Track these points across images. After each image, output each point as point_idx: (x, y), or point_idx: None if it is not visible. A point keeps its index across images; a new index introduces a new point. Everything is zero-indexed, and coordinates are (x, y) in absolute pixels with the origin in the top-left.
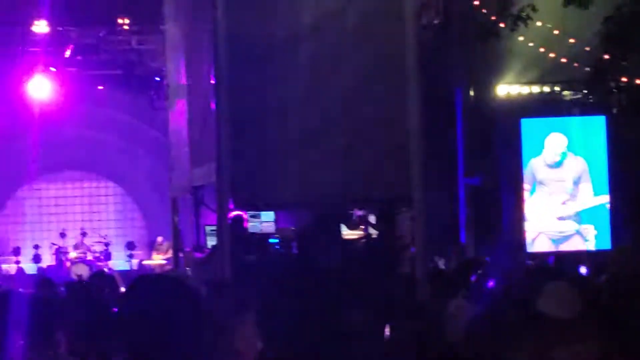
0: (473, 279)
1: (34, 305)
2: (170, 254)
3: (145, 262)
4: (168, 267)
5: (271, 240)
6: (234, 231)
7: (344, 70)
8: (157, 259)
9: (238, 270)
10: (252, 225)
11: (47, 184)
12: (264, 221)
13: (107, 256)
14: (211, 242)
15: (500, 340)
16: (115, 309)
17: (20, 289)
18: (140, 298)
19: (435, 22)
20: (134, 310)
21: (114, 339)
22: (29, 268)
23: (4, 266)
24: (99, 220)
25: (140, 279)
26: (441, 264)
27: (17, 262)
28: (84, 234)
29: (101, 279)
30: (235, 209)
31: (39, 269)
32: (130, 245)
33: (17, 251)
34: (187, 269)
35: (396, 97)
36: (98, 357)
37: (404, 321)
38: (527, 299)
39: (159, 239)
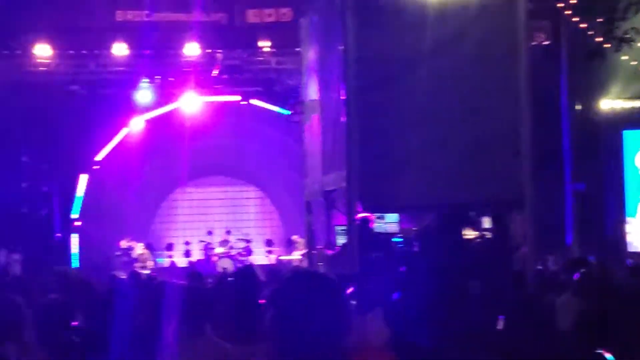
0: (576, 277)
1: (186, 294)
2: (304, 251)
3: (282, 258)
4: (303, 263)
5: (395, 240)
6: (361, 231)
7: (463, 86)
8: (295, 255)
9: (365, 266)
10: (378, 226)
11: (196, 188)
12: (389, 222)
13: (249, 252)
14: (341, 240)
15: (607, 332)
16: (260, 300)
17: (174, 280)
18: (295, 291)
19: (545, 43)
20: (287, 302)
21: (260, 328)
22: (180, 262)
23: (159, 260)
24: (241, 220)
25: (295, 274)
26: (551, 263)
27: (170, 257)
28: (228, 232)
29: (245, 272)
30: (363, 211)
31: (189, 263)
32: (269, 243)
33: (170, 247)
34: (319, 264)
35: (510, 110)
36: (242, 342)
37: (516, 315)
38: (629, 294)
39: (295, 237)
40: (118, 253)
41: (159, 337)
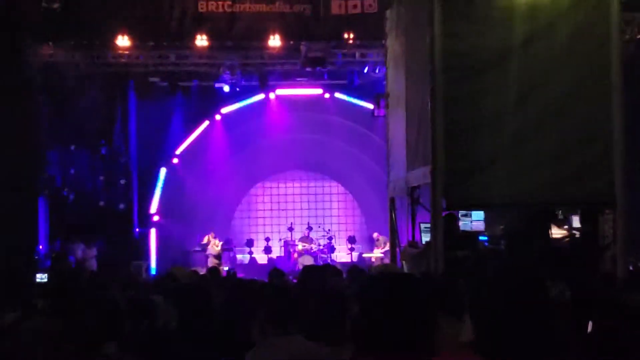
0: None
1: (269, 292)
2: (387, 248)
3: (365, 255)
4: (386, 261)
5: (481, 238)
6: (446, 229)
7: (552, 81)
8: (376, 253)
9: (450, 265)
10: (464, 224)
11: (277, 183)
12: (475, 220)
13: (331, 249)
14: (425, 238)
15: None
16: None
17: (255, 278)
18: (380, 290)
19: (638, 37)
20: (372, 302)
21: (344, 326)
22: (261, 258)
23: (239, 256)
24: (323, 216)
25: (380, 274)
26: None
27: (250, 253)
28: (309, 229)
29: (327, 270)
30: (448, 208)
31: (270, 260)
32: (351, 240)
33: (250, 243)
34: (403, 262)
35: (601, 107)
36: (328, 341)
37: (605, 317)
38: None
39: (375, 235)
40: (197, 248)
41: (245, 336)
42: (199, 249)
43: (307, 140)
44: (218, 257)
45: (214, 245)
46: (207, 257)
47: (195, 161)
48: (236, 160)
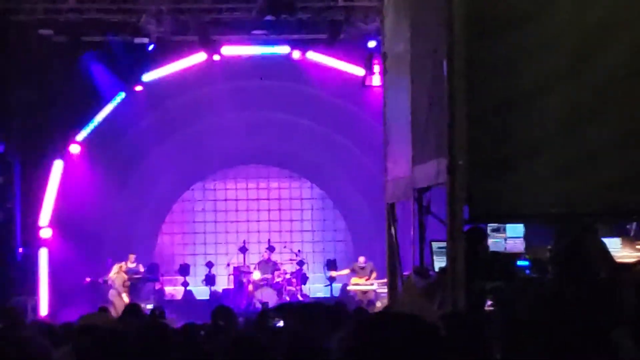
0: None
1: (210, 341)
2: (373, 279)
3: (351, 288)
4: (371, 295)
5: (520, 263)
6: (469, 250)
7: (622, 39)
8: (358, 282)
9: (475, 304)
10: (494, 242)
11: (224, 183)
12: (510, 237)
13: (301, 278)
14: (439, 263)
15: None
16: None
17: (191, 321)
18: (378, 345)
19: None
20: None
21: None
22: (200, 292)
23: (168, 289)
24: (290, 231)
25: (378, 319)
26: None
27: (185, 284)
28: (271, 249)
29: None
30: (472, 220)
31: (213, 294)
32: (330, 265)
33: (185, 270)
34: (407, 298)
35: None
36: None
37: None
38: None
39: (361, 259)
40: (107, 278)
41: None
42: (107, 279)
43: (268, 121)
44: (123, 286)
45: (119, 272)
46: (109, 288)
47: (106, 151)
48: (165, 150)
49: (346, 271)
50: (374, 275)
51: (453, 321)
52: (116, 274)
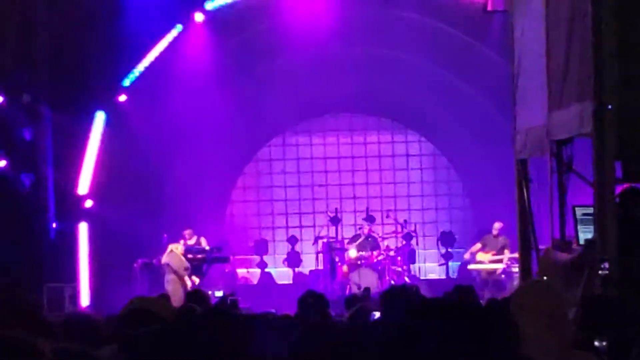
0: None
1: (300, 337)
2: (505, 257)
3: (472, 267)
4: (498, 274)
5: None
6: (624, 216)
7: None
8: (483, 260)
9: (633, 285)
10: None
11: (309, 137)
12: None
13: (409, 256)
14: (585, 234)
15: None
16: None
17: (273, 310)
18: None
19: None
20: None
21: None
22: (281, 274)
23: (241, 272)
24: (394, 196)
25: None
26: None
27: (262, 265)
28: (370, 220)
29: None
30: (627, 180)
31: (298, 276)
32: (446, 238)
33: (261, 247)
34: (544, 278)
35: None
36: None
37: None
38: None
39: (496, 226)
40: (163, 260)
41: None
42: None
43: (364, 58)
44: (184, 269)
45: (175, 250)
46: (165, 270)
47: (159, 100)
48: (234, 97)
49: (478, 246)
50: (506, 252)
51: (597, 307)
52: (172, 255)
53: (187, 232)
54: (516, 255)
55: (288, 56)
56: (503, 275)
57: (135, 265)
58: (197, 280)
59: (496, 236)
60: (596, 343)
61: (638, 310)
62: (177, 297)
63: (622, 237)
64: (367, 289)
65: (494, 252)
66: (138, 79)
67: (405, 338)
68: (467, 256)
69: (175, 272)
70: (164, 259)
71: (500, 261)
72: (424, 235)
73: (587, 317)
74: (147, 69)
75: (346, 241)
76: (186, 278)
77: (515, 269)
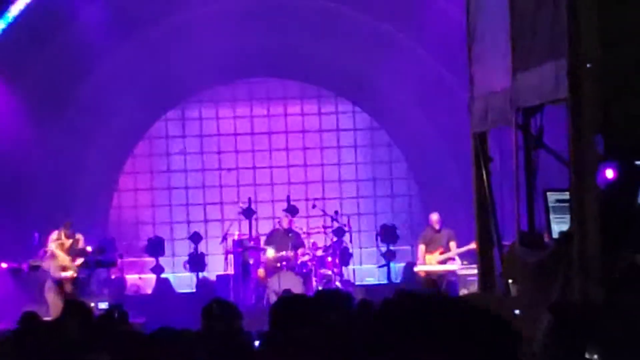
0: None
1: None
2: (453, 253)
3: (419, 268)
4: (453, 275)
5: None
6: (607, 203)
7: None
8: (433, 259)
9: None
10: None
11: (214, 107)
12: None
13: (341, 255)
14: (559, 225)
15: None
16: None
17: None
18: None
19: None
20: None
21: None
22: (181, 281)
23: (132, 278)
24: (322, 181)
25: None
26: None
27: (158, 270)
28: (291, 211)
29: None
30: (608, 156)
31: (202, 283)
32: (387, 233)
33: (156, 247)
34: (509, 281)
35: None
36: None
37: None
38: None
39: (434, 218)
40: (35, 262)
41: None
42: (38, 262)
43: (284, 11)
44: (72, 279)
45: (60, 247)
46: (45, 277)
47: (31, 63)
48: (123, 60)
49: (422, 248)
50: (452, 246)
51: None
52: (52, 254)
53: (63, 229)
54: (465, 249)
55: (189, 9)
56: (454, 278)
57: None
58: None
59: (438, 230)
60: (587, 356)
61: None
62: (57, 308)
63: (605, 230)
64: (287, 291)
65: (440, 249)
66: (3, 34)
67: None
68: (420, 264)
69: (52, 277)
70: (46, 258)
71: (452, 259)
72: (360, 230)
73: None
74: (12, 23)
75: (262, 239)
76: (67, 285)
77: (472, 272)
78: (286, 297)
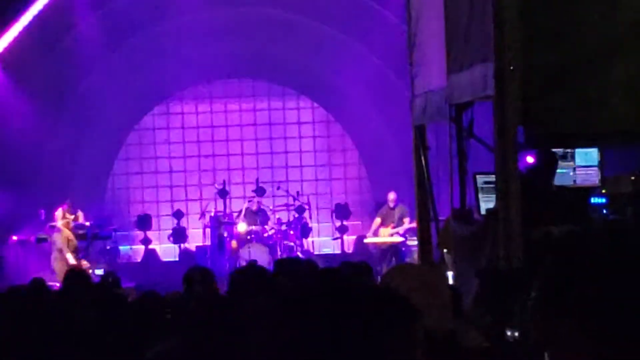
0: None
1: (191, 314)
2: (405, 227)
3: (369, 240)
4: (400, 246)
5: (594, 200)
6: (527, 184)
7: None
8: (386, 232)
9: (533, 253)
10: (561, 174)
11: (194, 104)
12: (581, 166)
13: (302, 229)
14: (487, 203)
15: None
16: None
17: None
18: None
19: None
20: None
21: None
22: (165, 251)
23: (124, 249)
24: (285, 166)
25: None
26: None
27: (146, 242)
28: (259, 192)
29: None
30: (531, 146)
31: (184, 252)
32: (341, 211)
33: (144, 222)
34: (444, 251)
35: None
36: None
37: None
38: None
39: (391, 197)
40: (42, 235)
41: None
42: (44, 235)
43: (255, 20)
44: (74, 248)
45: (65, 225)
46: (51, 249)
47: (34, 65)
48: (116, 62)
49: (377, 221)
50: (405, 222)
51: (490, 279)
52: (59, 229)
53: (62, 209)
54: (410, 225)
55: (172, 19)
56: (403, 248)
57: (10, 241)
58: (86, 263)
59: (392, 208)
60: (508, 333)
61: (523, 283)
62: (62, 275)
63: (528, 208)
64: (254, 262)
65: (392, 224)
66: (10, 41)
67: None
68: (370, 235)
69: (58, 249)
70: (55, 234)
71: (398, 233)
72: (318, 208)
73: (483, 290)
74: (20, 31)
75: (235, 215)
76: (69, 255)
77: (414, 242)
78: (247, 267)
